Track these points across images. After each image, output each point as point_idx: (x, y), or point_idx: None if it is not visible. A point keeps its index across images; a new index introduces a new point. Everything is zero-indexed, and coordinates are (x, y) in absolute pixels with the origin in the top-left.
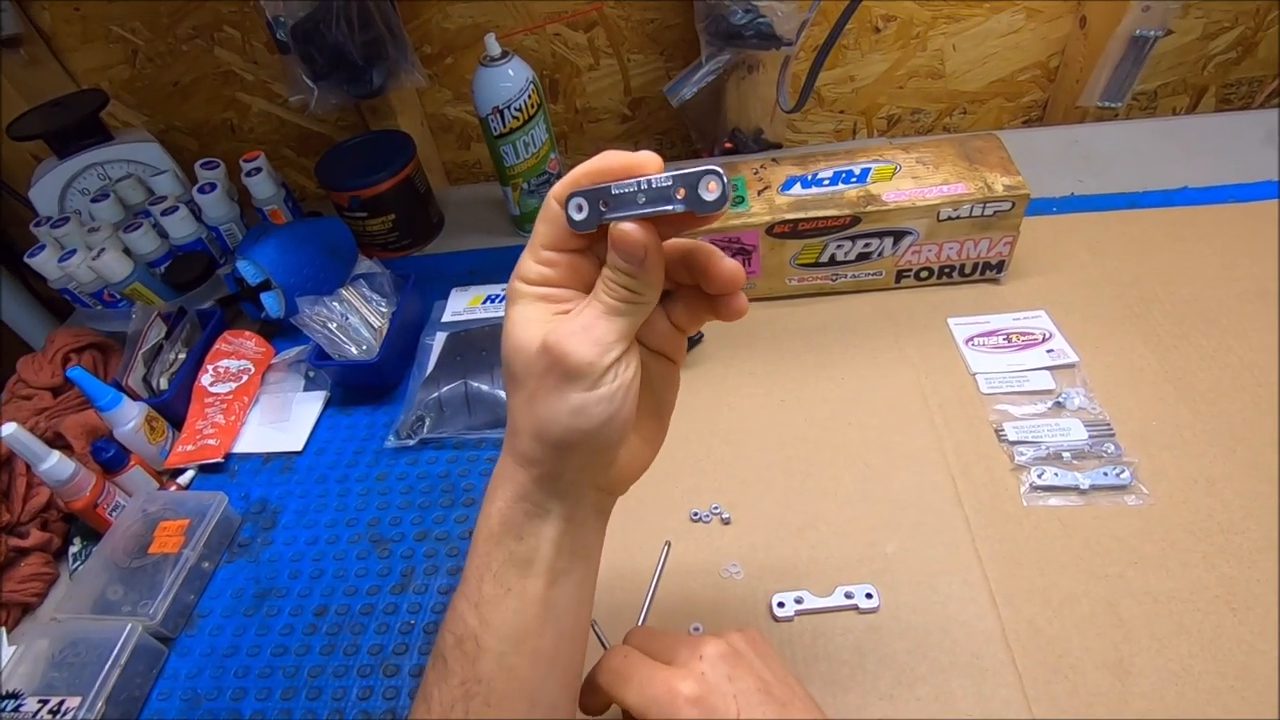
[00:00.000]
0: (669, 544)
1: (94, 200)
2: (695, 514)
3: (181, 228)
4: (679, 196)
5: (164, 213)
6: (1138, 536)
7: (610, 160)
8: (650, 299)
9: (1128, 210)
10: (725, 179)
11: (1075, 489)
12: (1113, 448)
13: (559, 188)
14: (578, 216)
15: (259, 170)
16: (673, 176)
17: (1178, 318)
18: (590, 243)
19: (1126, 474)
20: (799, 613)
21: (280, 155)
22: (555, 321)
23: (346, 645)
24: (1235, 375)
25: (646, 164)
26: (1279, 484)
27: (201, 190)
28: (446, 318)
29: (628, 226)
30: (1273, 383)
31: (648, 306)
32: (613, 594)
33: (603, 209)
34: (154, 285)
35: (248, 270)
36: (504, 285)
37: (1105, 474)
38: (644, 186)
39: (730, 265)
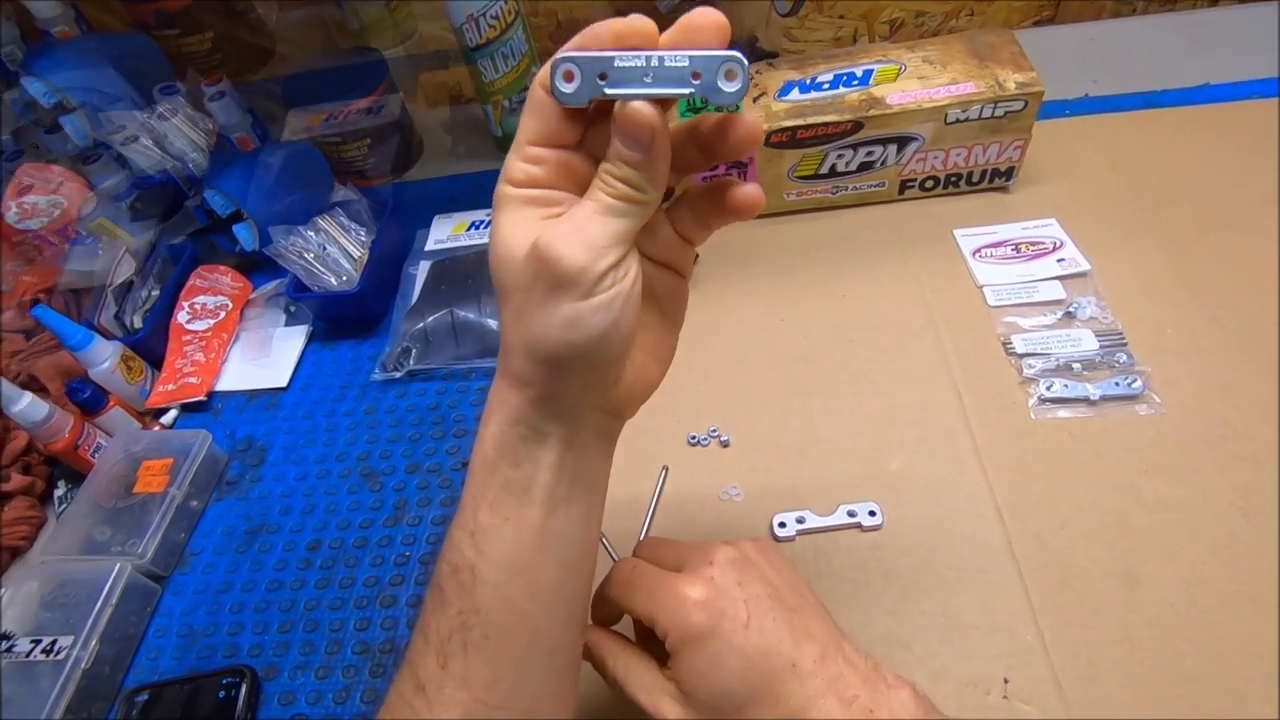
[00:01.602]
0: (666, 469)
1: (48, 132)
2: (693, 438)
3: (144, 158)
4: (693, 80)
5: (124, 143)
6: (1150, 446)
7: (599, 31)
8: (653, 197)
9: (1145, 110)
10: (747, 68)
11: (1085, 400)
12: (1125, 357)
13: (545, 71)
14: (566, 87)
15: (223, 95)
16: (689, 57)
17: (1196, 221)
18: (584, 135)
19: (1139, 383)
20: (800, 532)
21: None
22: (545, 225)
23: (342, 578)
24: (1254, 280)
25: (637, 26)
26: None
27: (162, 118)
28: (430, 246)
29: (639, 105)
30: None
31: (649, 206)
32: (610, 522)
33: (600, 82)
34: (120, 220)
35: (216, 200)
36: (489, 211)
37: (1117, 384)
38: (652, 63)
39: (749, 121)
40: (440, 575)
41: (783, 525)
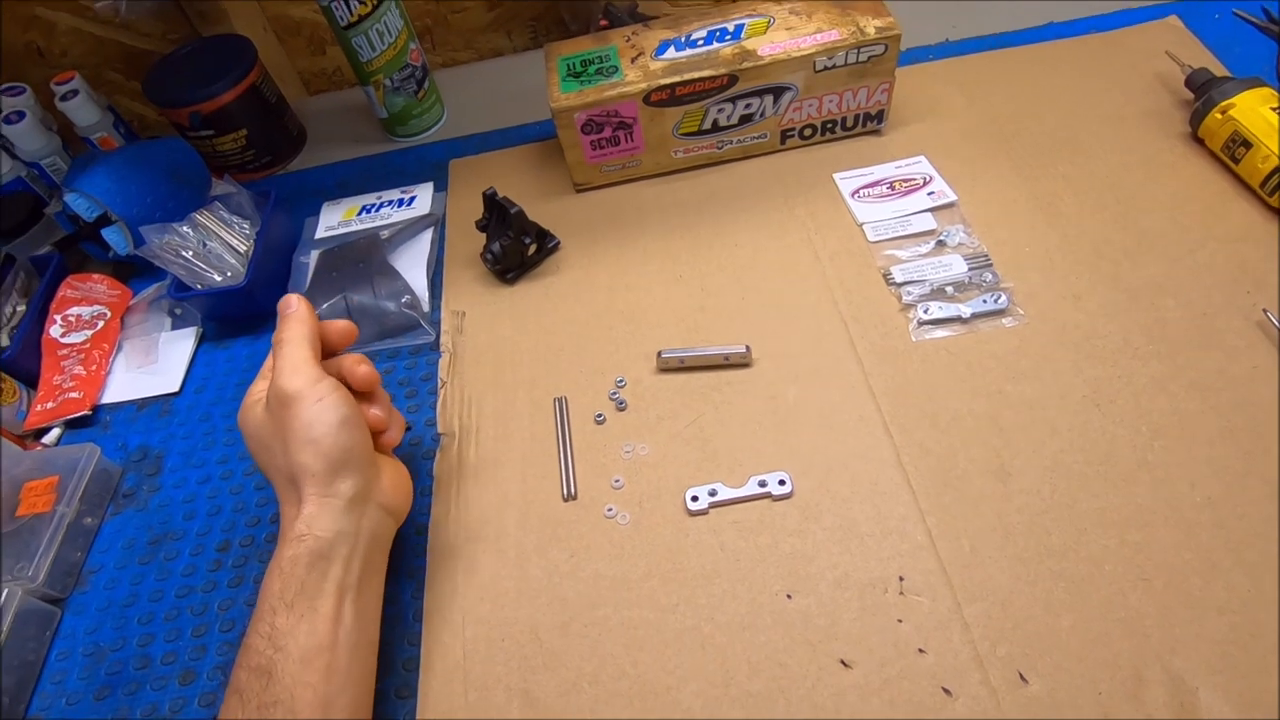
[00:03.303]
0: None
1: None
2: (600, 416)
3: None
4: None
5: None
6: (1014, 354)
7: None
8: (291, 335)
9: (999, 50)
10: None
11: (958, 319)
12: (991, 276)
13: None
14: None
15: (76, 93)
16: None
17: (1046, 147)
18: None
19: (1004, 298)
20: (713, 505)
21: (106, 80)
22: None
23: (256, 574)
24: (1097, 195)
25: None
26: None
27: (8, 121)
28: (320, 234)
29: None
30: (1127, 199)
31: (295, 343)
32: (529, 469)
33: None
34: None
35: (79, 204)
36: (378, 194)
37: (984, 301)
38: None
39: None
40: (239, 681)
41: (695, 499)
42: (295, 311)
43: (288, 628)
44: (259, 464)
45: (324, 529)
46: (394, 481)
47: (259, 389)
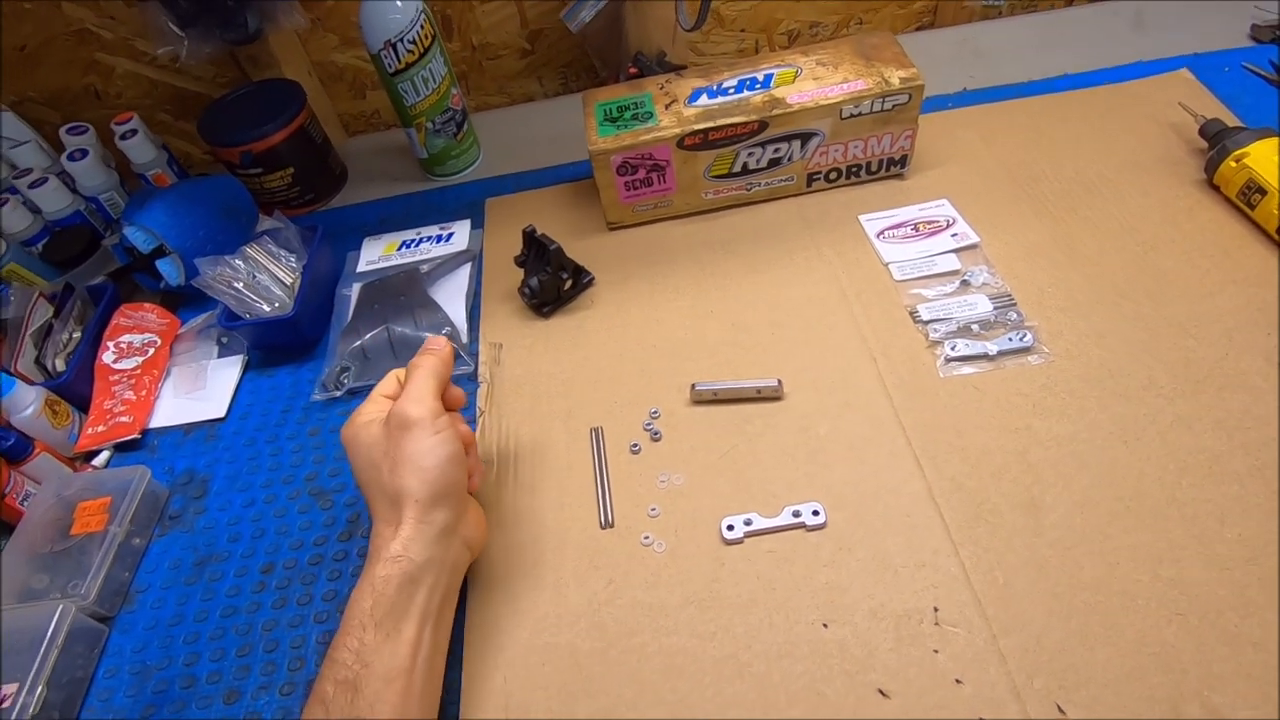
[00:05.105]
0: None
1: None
2: (634, 446)
3: (54, 200)
4: None
5: (31, 186)
6: (1041, 391)
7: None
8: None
9: (1016, 99)
10: None
11: (985, 356)
12: (1015, 315)
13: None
14: None
15: (134, 132)
16: None
17: (1065, 192)
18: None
19: (1029, 337)
20: (748, 534)
21: (157, 120)
22: (385, 410)
23: (299, 596)
24: (1116, 237)
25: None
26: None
27: (71, 158)
28: (361, 268)
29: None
30: (1146, 241)
31: (422, 378)
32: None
33: None
34: (33, 265)
35: (137, 237)
36: (417, 230)
37: (1010, 339)
38: None
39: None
40: (324, 691)
41: (730, 528)
42: (439, 350)
43: (375, 645)
44: (360, 480)
45: (418, 553)
46: (476, 519)
47: (369, 411)
